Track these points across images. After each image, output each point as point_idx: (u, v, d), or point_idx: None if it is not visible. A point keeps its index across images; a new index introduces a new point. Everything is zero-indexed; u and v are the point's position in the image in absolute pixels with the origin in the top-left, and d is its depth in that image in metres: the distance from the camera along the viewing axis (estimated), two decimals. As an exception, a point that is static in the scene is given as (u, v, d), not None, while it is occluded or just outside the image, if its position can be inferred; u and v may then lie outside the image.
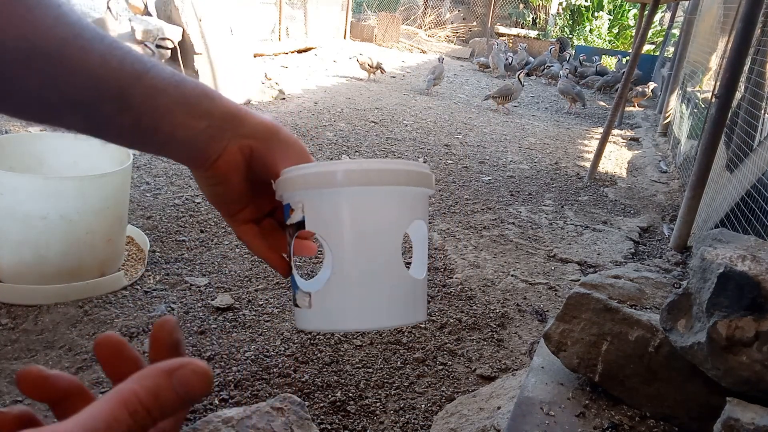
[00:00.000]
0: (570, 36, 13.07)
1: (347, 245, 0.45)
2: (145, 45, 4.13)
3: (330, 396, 1.60)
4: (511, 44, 11.04)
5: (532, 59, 10.36)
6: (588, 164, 4.41)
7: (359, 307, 0.46)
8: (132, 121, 0.43)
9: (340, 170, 0.44)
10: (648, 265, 2.62)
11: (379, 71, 7.38)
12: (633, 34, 11.55)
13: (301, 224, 0.47)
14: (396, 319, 0.47)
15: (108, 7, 4.22)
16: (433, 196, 0.54)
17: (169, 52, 4.61)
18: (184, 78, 0.45)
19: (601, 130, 4.71)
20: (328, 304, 0.47)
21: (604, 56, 11.29)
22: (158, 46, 4.22)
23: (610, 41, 13.18)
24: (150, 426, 0.26)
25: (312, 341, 1.84)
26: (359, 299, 0.46)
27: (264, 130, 0.48)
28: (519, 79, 6.58)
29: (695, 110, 4.36)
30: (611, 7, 13.26)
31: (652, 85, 7.82)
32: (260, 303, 2.02)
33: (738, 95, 2.79)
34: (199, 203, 2.80)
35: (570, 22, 13.49)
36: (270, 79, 5.97)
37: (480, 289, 2.33)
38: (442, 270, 2.46)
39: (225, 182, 0.50)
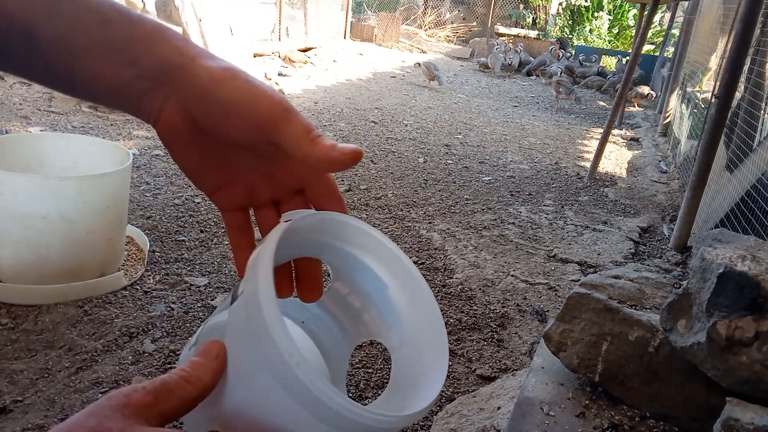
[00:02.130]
0: (570, 36, 13.07)
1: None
2: None
3: (330, 396, 1.60)
4: (511, 44, 11.03)
5: (532, 59, 10.37)
6: (588, 164, 4.41)
7: None
8: (45, 65, 0.36)
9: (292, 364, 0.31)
10: (648, 265, 2.62)
11: (436, 81, 7.39)
12: (633, 34, 11.56)
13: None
14: None
15: None
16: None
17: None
18: (120, 12, 0.36)
19: (601, 130, 4.71)
20: None
21: (604, 56, 11.30)
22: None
23: (610, 41, 13.18)
24: None
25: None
26: None
27: (205, 87, 0.36)
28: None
29: (695, 110, 4.36)
30: (611, 7, 13.26)
31: (652, 94, 7.78)
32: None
33: (738, 95, 2.79)
34: (198, 203, 2.80)
35: (570, 22, 13.50)
36: (270, 79, 5.97)
37: (480, 289, 2.33)
38: (442, 270, 2.46)
39: (171, 152, 0.40)
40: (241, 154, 0.41)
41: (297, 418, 0.33)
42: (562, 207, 3.49)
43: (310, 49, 8.66)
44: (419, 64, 7.73)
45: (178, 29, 4.63)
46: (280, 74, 6.36)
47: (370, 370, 1.73)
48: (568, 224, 3.19)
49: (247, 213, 0.45)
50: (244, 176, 0.42)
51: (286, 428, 0.34)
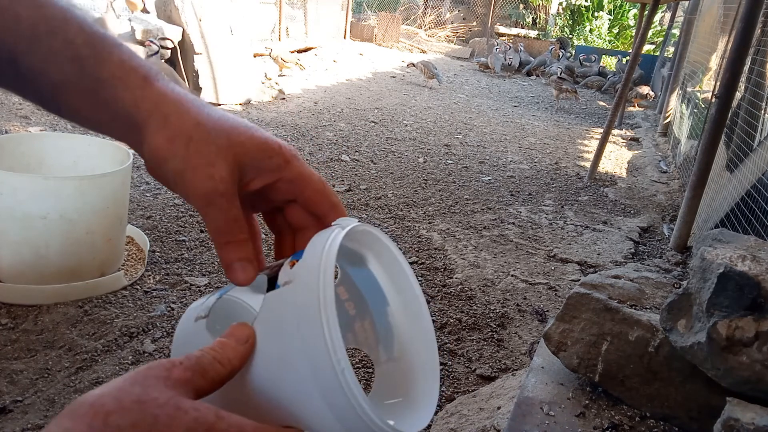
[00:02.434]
0: (570, 36, 13.07)
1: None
2: (151, 42, 4.13)
3: (330, 396, 1.60)
4: (511, 43, 11.03)
5: (532, 59, 10.37)
6: (588, 164, 4.41)
7: None
8: (33, 91, 0.36)
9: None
10: (648, 265, 2.62)
11: (435, 80, 7.40)
12: (633, 34, 11.56)
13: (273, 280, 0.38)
14: None
15: (111, 7, 4.21)
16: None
17: (169, 52, 4.61)
18: (91, 48, 0.35)
19: (601, 130, 4.71)
20: None
21: (604, 56, 11.29)
22: (160, 47, 4.21)
23: (610, 41, 13.18)
24: None
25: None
26: None
27: (153, 161, 0.37)
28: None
29: (695, 110, 4.36)
30: (611, 7, 13.26)
31: (651, 94, 7.78)
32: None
33: (738, 95, 2.79)
34: (199, 203, 2.80)
35: (570, 22, 13.50)
36: (270, 79, 5.97)
37: (480, 289, 2.33)
38: (442, 270, 2.46)
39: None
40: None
41: (319, 416, 0.33)
42: (562, 207, 3.49)
43: (310, 49, 8.65)
44: (413, 64, 7.74)
45: (178, 29, 4.63)
46: (280, 75, 6.35)
47: (370, 370, 1.73)
48: (568, 224, 3.19)
49: (250, 218, 0.44)
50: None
51: (303, 420, 0.34)
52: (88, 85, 0.36)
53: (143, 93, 0.37)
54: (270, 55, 6.26)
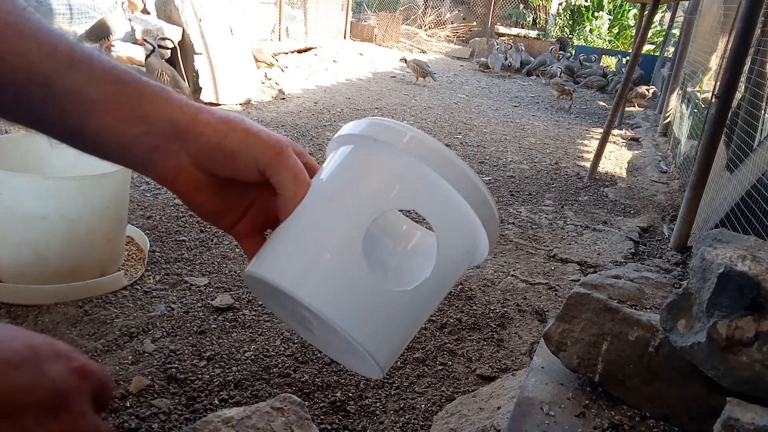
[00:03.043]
0: (570, 36, 13.07)
1: (326, 199, 0.41)
2: (145, 41, 4.12)
3: (330, 396, 1.60)
4: (510, 41, 11.03)
5: (532, 59, 10.37)
6: (588, 164, 4.41)
7: (291, 263, 0.40)
8: (59, 116, 0.39)
9: (408, 133, 0.40)
10: (648, 265, 2.62)
11: (429, 77, 7.41)
12: (633, 34, 11.56)
13: None
14: (334, 311, 0.38)
15: (122, 8, 4.19)
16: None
17: (169, 52, 4.61)
18: (131, 75, 0.40)
19: (601, 130, 4.71)
20: (268, 245, 0.43)
21: (604, 56, 11.29)
22: (158, 46, 4.21)
23: (610, 41, 13.18)
24: None
25: (312, 341, 1.83)
26: (295, 254, 0.40)
27: (212, 142, 0.42)
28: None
29: (695, 110, 4.36)
30: (611, 7, 13.26)
31: (652, 88, 7.79)
32: (260, 303, 2.02)
33: (738, 95, 2.79)
34: (199, 203, 2.80)
35: (570, 22, 13.49)
36: (270, 79, 5.97)
37: (480, 289, 2.33)
38: (442, 270, 2.46)
39: (192, 202, 0.45)
40: (252, 188, 0.46)
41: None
42: (562, 207, 3.49)
43: (310, 49, 8.65)
44: (405, 59, 7.72)
45: (178, 29, 4.63)
46: (265, 78, 6.35)
47: (370, 370, 1.73)
48: (568, 224, 3.19)
49: (264, 237, 0.48)
50: (257, 204, 0.48)
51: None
52: (127, 102, 0.40)
53: (186, 103, 0.42)
54: (253, 54, 6.28)
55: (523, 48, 10.62)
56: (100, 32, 4.41)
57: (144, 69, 4.41)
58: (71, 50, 0.38)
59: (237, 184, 0.45)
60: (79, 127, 0.39)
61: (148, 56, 4.09)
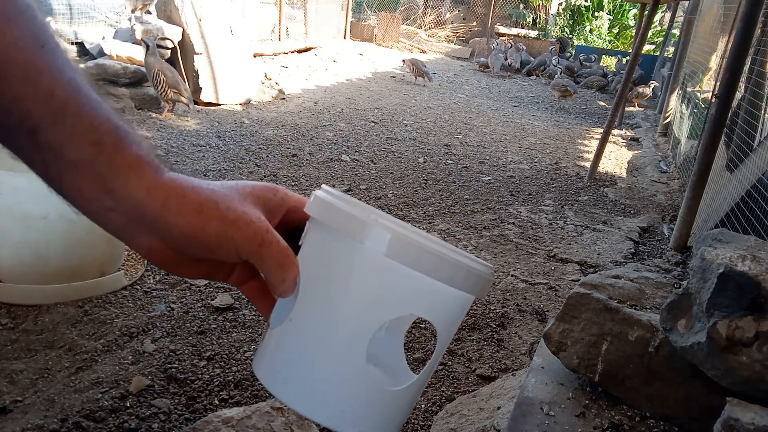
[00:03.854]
0: (570, 36, 13.07)
1: (322, 308, 0.40)
2: (143, 41, 4.12)
3: (330, 396, 1.60)
4: (510, 41, 11.04)
5: (532, 59, 10.37)
6: (588, 164, 4.41)
7: (298, 380, 0.40)
8: (42, 165, 0.38)
9: (383, 230, 0.37)
10: (648, 265, 2.62)
11: (426, 78, 7.46)
12: (633, 34, 11.56)
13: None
14: (336, 419, 0.39)
15: (138, 21, 4.18)
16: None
17: (169, 52, 4.61)
18: (114, 136, 0.37)
19: (601, 130, 4.71)
20: (268, 351, 0.43)
21: (604, 56, 11.29)
22: (158, 46, 4.21)
23: (610, 41, 13.18)
24: None
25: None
26: (301, 375, 0.40)
27: (186, 236, 0.39)
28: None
29: (695, 110, 4.36)
30: (611, 7, 13.26)
31: (652, 84, 7.81)
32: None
33: (738, 95, 2.79)
34: (199, 203, 2.80)
35: (570, 22, 13.50)
36: (270, 79, 5.97)
37: (480, 289, 2.33)
38: (442, 270, 2.46)
39: (174, 273, 0.44)
40: None
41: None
42: (562, 207, 3.49)
43: (309, 49, 8.66)
44: (405, 60, 7.80)
45: (178, 29, 4.63)
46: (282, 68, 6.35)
47: (370, 370, 1.73)
48: (568, 224, 3.19)
49: (260, 278, 0.47)
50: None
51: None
52: (100, 170, 0.37)
53: (156, 182, 0.38)
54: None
55: (524, 48, 10.62)
56: None
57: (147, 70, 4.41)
58: (67, 99, 0.35)
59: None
60: (57, 182, 0.39)
61: (146, 56, 4.10)
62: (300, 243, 0.44)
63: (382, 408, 0.41)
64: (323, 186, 0.43)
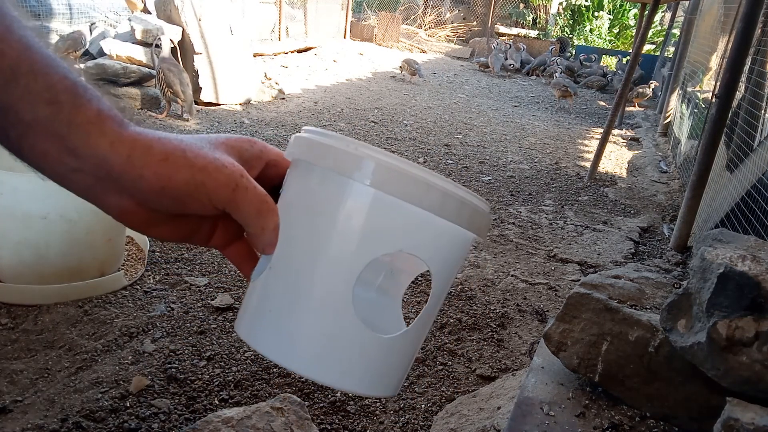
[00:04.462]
0: (570, 36, 13.07)
1: (303, 250, 0.37)
2: (157, 46, 4.16)
3: (330, 396, 1.60)
4: (511, 41, 11.03)
5: (532, 59, 10.37)
6: (588, 164, 4.41)
7: (280, 329, 0.37)
8: (1, 131, 0.36)
9: (366, 159, 0.35)
10: (648, 265, 2.62)
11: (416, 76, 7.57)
12: (633, 34, 11.55)
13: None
14: (322, 371, 0.37)
15: (159, 47, 4.20)
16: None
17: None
18: (71, 93, 0.35)
19: (601, 130, 4.71)
20: (250, 306, 0.40)
21: (604, 56, 11.29)
22: (158, 46, 4.22)
23: (610, 41, 13.18)
24: None
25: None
26: (283, 323, 0.37)
27: (154, 187, 0.37)
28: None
29: (695, 110, 4.36)
30: (611, 7, 13.25)
31: (653, 83, 7.81)
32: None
33: (738, 95, 2.79)
34: (199, 203, 2.80)
35: (570, 22, 13.49)
36: (270, 79, 5.97)
37: (480, 289, 2.33)
38: (442, 270, 2.46)
39: (148, 235, 0.41)
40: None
41: None
42: (562, 207, 3.49)
43: (310, 48, 8.66)
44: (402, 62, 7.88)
45: (178, 29, 4.63)
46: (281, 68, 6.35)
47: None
48: (568, 224, 3.19)
49: (244, 240, 0.45)
50: (225, 215, 0.43)
51: None
52: (59, 130, 0.35)
53: (119, 136, 0.36)
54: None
55: (524, 48, 10.62)
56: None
57: (147, 71, 4.42)
58: (18, 59, 0.33)
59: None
60: (18, 147, 0.36)
61: (155, 53, 4.16)
62: (280, 192, 0.41)
63: (374, 359, 0.38)
64: (304, 127, 0.41)
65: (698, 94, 4.53)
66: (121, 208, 0.38)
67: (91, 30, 5.25)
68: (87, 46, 4.99)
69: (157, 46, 4.21)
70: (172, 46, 4.52)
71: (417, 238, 0.37)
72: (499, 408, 1.46)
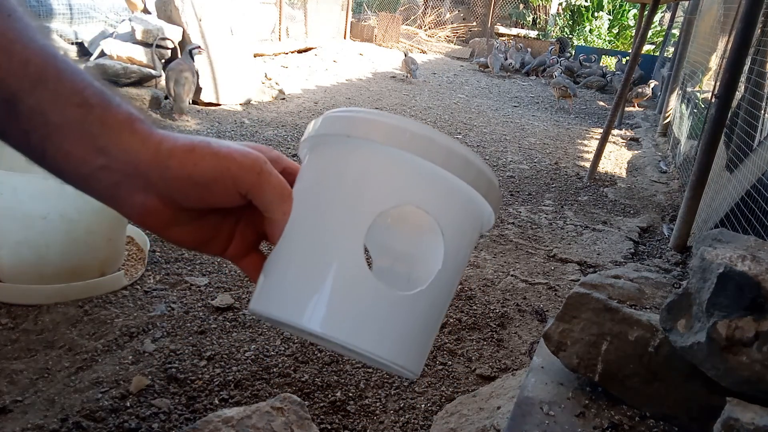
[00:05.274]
0: (570, 36, 13.08)
1: (313, 213, 0.38)
2: (157, 46, 4.15)
3: (330, 396, 1.60)
4: (511, 40, 11.04)
5: (532, 59, 10.37)
6: (588, 164, 4.41)
7: (295, 293, 0.37)
8: (22, 134, 0.36)
9: (369, 120, 0.37)
10: (648, 265, 2.62)
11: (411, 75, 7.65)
12: (633, 34, 11.56)
13: None
14: (335, 325, 0.36)
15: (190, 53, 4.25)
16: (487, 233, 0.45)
17: (169, 52, 4.60)
18: (101, 98, 0.37)
19: (600, 130, 4.71)
20: (266, 277, 0.40)
21: (604, 56, 11.30)
22: (158, 46, 4.22)
23: (610, 41, 13.18)
24: None
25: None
26: (297, 283, 0.37)
27: (181, 175, 0.38)
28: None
29: (695, 110, 4.36)
30: (611, 7, 13.26)
31: (652, 83, 7.81)
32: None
33: (738, 95, 2.79)
34: (199, 203, 2.80)
35: (570, 22, 13.50)
36: (270, 79, 5.97)
37: (480, 289, 2.33)
38: (442, 270, 2.46)
39: (168, 238, 0.42)
40: (232, 210, 0.43)
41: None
42: (562, 207, 3.49)
43: (309, 49, 8.65)
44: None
45: (178, 29, 4.63)
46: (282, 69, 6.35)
47: (370, 370, 1.73)
48: (567, 224, 3.19)
49: (261, 252, 0.46)
50: (244, 223, 0.44)
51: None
52: (91, 130, 0.36)
53: (150, 135, 0.38)
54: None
55: (526, 49, 10.62)
56: None
57: (147, 71, 4.41)
58: (44, 65, 0.35)
59: (214, 210, 0.42)
60: (41, 150, 0.37)
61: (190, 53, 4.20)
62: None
63: (388, 318, 0.37)
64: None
65: (698, 94, 4.53)
66: (145, 207, 0.39)
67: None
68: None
69: (158, 46, 4.21)
70: (173, 46, 4.52)
71: (424, 191, 0.37)
72: (498, 408, 1.46)
